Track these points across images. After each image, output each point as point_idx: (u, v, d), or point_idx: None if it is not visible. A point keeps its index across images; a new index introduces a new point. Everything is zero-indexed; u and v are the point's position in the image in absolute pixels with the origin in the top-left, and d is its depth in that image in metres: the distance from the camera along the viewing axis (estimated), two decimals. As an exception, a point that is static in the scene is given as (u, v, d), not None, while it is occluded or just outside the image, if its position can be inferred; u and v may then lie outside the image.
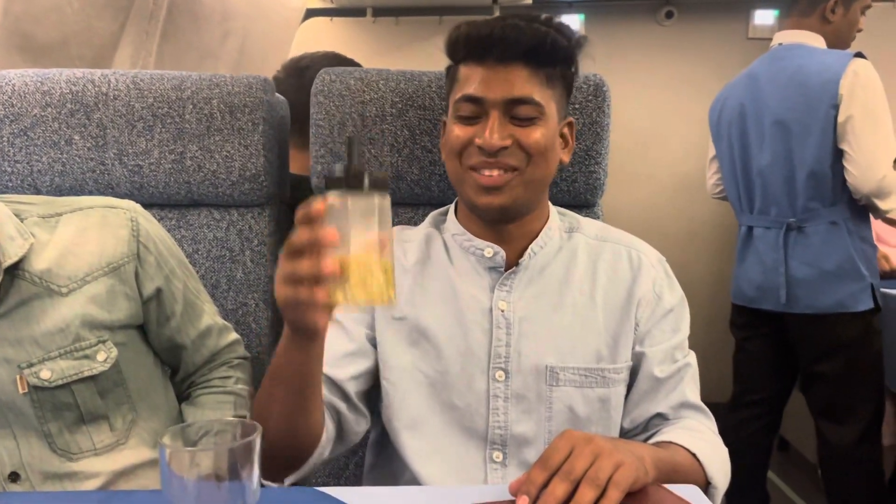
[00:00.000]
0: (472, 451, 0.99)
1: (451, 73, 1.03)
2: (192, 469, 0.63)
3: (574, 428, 0.95)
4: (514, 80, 0.95)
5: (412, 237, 1.09)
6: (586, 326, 1.01)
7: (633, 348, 1.02)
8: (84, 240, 1.00)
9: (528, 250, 1.03)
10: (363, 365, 1.02)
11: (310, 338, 0.80)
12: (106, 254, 1.01)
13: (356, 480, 1.31)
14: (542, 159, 0.98)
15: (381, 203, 0.75)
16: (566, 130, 1.05)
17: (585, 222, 1.11)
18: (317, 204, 0.72)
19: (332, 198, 0.73)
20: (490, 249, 1.03)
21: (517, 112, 0.96)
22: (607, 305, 1.02)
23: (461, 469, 0.99)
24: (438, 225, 1.11)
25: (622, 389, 1.02)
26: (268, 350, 1.35)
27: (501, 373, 0.99)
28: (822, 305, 1.99)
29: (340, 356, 1.00)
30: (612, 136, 1.30)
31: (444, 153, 1.04)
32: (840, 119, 1.90)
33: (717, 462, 0.95)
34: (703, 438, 0.98)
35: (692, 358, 1.06)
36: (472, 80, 0.97)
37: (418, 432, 1.00)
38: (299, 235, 0.73)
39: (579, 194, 1.29)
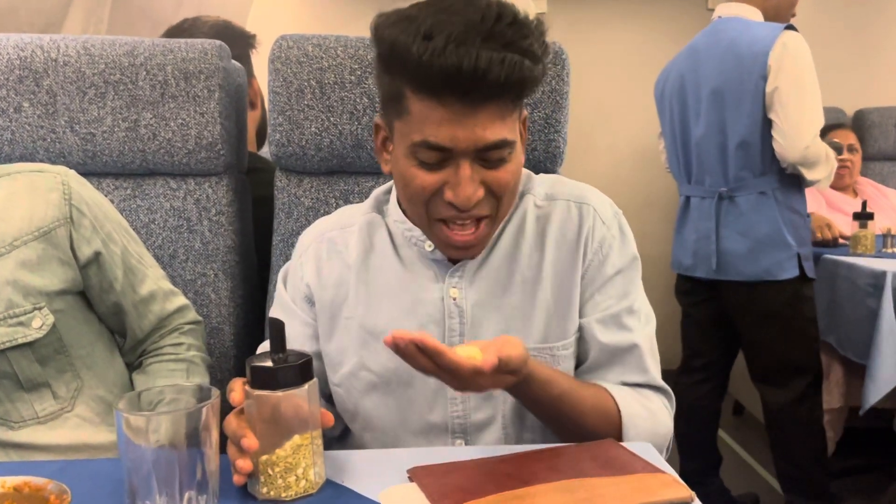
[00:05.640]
0: (434, 443, 0.96)
1: (392, 89, 0.84)
2: (150, 434, 0.62)
3: (525, 415, 0.94)
4: (486, 124, 0.81)
5: (353, 222, 1.01)
6: (536, 303, 0.95)
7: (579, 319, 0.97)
8: (12, 205, 0.98)
9: None
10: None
11: None
12: (36, 218, 0.98)
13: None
14: (513, 194, 0.91)
15: (309, 391, 0.73)
16: (522, 129, 0.92)
17: (537, 181, 1.02)
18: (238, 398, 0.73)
19: (258, 395, 0.71)
20: (429, 243, 0.95)
21: (489, 156, 0.84)
22: (556, 277, 0.96)
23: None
24: (381, 207, 1.02)
25: (571, 364, 0.97)
26: (227, 320, 1.34)
27: None
28: (749, 273, 2.06)
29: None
30: (572, 107, 1.31)
31: (399, 187, 0.90)
32: (768, 90, 1.96)
33: (642, 423, 0.91)
34: (642, 402, 0.93)
35: (645, 333, 0.97)
36: (433, 123, 0.81)
37: (378, 432, 0.98)
38: (227, 424, 0.73)
39: (538, 163, 1.29)
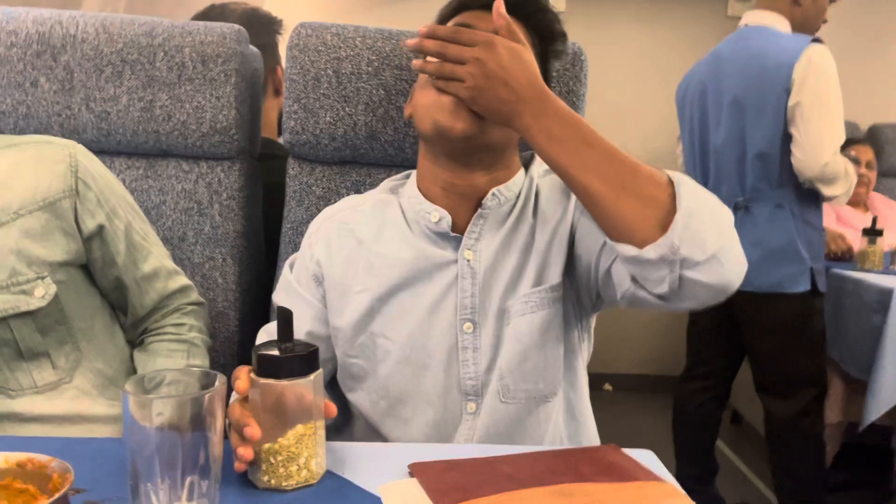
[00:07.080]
0: (449, 407, 0.98)
1: None
2: (155, 417, 0.62)
3: (522, 362, 0.96)
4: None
5: (363, 203, 1.07)
6: (532, 256, 0.99)
7: (570, 255, 0.99)
8: (18, 174, 0.98)
9: (490, 192, 0.99)
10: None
11: None
12: (41, 188, 0.98)
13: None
14: None
15: (314, 381, 0.73)
16: None
17: (538, 160, 1.07)
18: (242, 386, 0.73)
19: (263, 383, 0.72)
20: (436, 213, 0.99)
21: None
22: (544, 228, 1.00)
23: (439, 427, 0.98)
24: (396, 190, 1.08)
25: (558, 309, 0.98)
26: (233, 305, 1.34)
27: (469, 324, 0.97)
28: (760, 284, 2.04)
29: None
30: (587, 108, 1.30)
31: (414, 107, 0.99)
32: (790, 104, 1.94)
33: (699, 190, 0.85)
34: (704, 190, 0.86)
35: None
36: (458, 20, 0.99)
37: (394, 399, 0.99)
38: (231, 411, 0.74)
39: (552, 163, 1.29)
